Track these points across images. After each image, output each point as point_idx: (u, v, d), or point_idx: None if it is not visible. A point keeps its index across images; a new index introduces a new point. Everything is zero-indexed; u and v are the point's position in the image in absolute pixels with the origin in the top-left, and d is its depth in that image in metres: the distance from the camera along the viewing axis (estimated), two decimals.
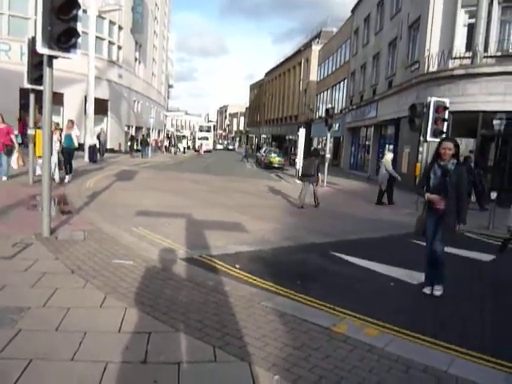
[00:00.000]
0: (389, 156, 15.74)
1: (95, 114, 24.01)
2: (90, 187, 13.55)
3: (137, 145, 36.45)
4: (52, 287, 4.69)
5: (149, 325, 3.99)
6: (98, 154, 23.87)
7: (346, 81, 38.67)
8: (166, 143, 49.40)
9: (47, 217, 6.67)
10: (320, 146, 47.16)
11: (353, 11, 37.57)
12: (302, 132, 25.12)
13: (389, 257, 7.84)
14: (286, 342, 3.86)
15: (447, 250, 8.78)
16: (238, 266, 6.36)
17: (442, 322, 5.02)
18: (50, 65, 6.37)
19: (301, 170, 15.20)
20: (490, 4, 17.43)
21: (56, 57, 6.29)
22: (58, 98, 27.49)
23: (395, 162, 24.51)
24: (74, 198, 10.98)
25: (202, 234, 8.35)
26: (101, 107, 28.21)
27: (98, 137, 25.76)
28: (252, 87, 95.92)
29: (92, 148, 22.42)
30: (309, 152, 16.56)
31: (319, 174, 14.01)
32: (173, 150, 46.36)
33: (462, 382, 3.44)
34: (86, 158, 22.22)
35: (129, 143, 34.95)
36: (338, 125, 37.33)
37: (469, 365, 3.83)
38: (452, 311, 5.44)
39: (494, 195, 11.25)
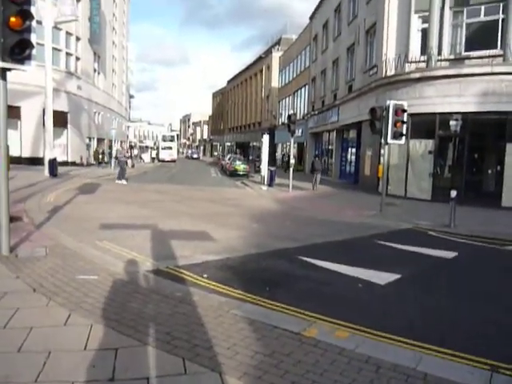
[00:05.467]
0: None
1: (54, 126, 23.39)
2: (50, 202, 13.18)
3: (103, 158, 36.73)
4: (13, 307, 4.51)
5: (115, 340, 3.88)
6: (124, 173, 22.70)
7: (307, 87, 39.20)
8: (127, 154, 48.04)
9: (6, 234, 6.43)
10: (284, 152, 47.62)
11: (311, 18, 38.18)
12: (265, 138, 25.28)
13: (356, 258, 7.93)
14: (256, 350, 3.84)
15: (412, 248, 9.03)
16: (205, 275, 6.30)
17: (409, 321, 5.10)
18: (4, 77, 6.16)
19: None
20: (442, 9, 18.04)
21: (10, 69, 6.10)
22: (14, 112, 26.68)
23: (357, 164, 25.08)
24: (34, 213, 10.65)
25: (169, 244, 8.24)
26: (60, 120, 27.54)
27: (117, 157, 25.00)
28: (214, 95, 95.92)
29: (52, 162, 21.84)
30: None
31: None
32: (129, 162, 36.24)
33: (430, 378, 3.51)
34: (47, 172, 21.62)
35: (100, 156, 35.76)
36: (301, 130, 37.75)
37: (436, 361, 3.91)
38: (419, 309, 5.53)
39: (453, 194, 11.56)
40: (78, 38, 32.28)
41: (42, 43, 21.70)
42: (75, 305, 4.67)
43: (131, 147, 56.36)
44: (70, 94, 30.91)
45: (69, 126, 30.98)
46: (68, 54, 31.24)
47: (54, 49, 26.11)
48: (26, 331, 3.97)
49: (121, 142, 48.81)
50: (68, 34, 30.84)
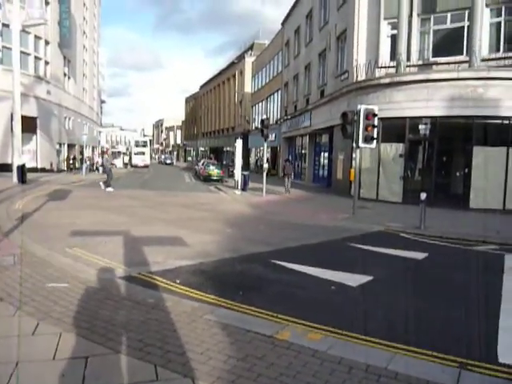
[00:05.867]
0: None
1: (23, 132, 22.85)
2: (19, 209, 12.88)
3: (74, 164, 36.84)
4: None
5: (86, 349, 3.82)
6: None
7: (279, 91, 39.42)
8: (99, 160, 47.18)
9: None
10: (258, 157, 47.76)
11: (283, 24, 38.47)
12: (238, 143, 25.32)
13: (329, 261, 8.01)
14: (229, 354, 3.83)
15: (384, 250, 9.16)
16: (178, 281, 6.25)
17: (381, 322, 5.17)
18: None
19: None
20: (410, 16, 18.47)
21: None
22: None
23: (330, 168, 25.33)
24: (2, 221, 10.37)
25: (141, 250, 8.15)
26: (29, 125, 26.93)
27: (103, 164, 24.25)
28: (187, 100, 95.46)
29: (21, 168, 21.34)
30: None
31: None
32: (101, 168, 34.35)
33: (401, 376, 3.56)
34: (15, 179, 21.11)
35: (71, 162, 36.19)
36: (274, 135, 37.94)
37: (407, 360, 3.96)
38: (391, 310, 5.62)
39: (423, 196, 11.80)
40: (47, 42, 31.71)
41: (10, 47, 21.29)
42: (44, 314, 4.57)
43: (103, 153, 55.63)
44: (39, 98, 30.31)
45: (38, 131, 30.34)
46: (37, 58, 30.64)
47: (22, 52, 25.56)
48: None
49: (106, 150, 47.94)
50: (37, 37, 30.25)
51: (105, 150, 55.33)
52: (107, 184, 21.24)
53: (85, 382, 3.29)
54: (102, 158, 26.18)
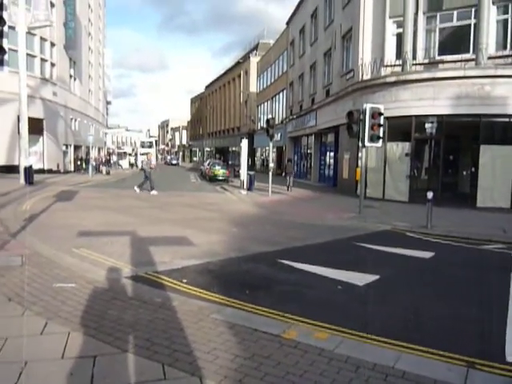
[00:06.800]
0: None
1: (30, 133, 22.99)
2: (26, 210, 12.95)
3: (82, 164, 37.07)
4: None
5: (94, 348, 3.84)
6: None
7: (285, 91, 39.40)
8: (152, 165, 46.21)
9: None
10: (264, 157, 47.78)
11: (288, 23, 38.44)
12: (244, 143, 25.32)
13: (335, 261, 8.00)
14: (236, 353, 3.83)
15: (391, 249, 9.14)
16: (185, 280, 6.26)
17: (388, 320, 5.16)
18: None
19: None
20: (416, 14, 18.38)
21: None
22: None
23: (336, 167, 25.31)
24: (9, 222, 10.45)
25: (147, 250, 8.18)
26: (36, 127, 27.09)
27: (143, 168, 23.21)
28: (193, 100, 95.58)
29: (28, 169, 21.48)
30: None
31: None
32: (104, 169, 37.12)
33: (408, 375, 3.55)
34: (22, 180, 21.24)
35: (78, 163, 36.78)
36: (279, 134, 37.93)
37: (415, 359, 3.95)
38: (397, 309, 5.60)
39: (430, 195, 11.75)
40: (52, 44, 31.87)
41: (16, 49, 21.40)
42: (52, 313, 4.59)
43: (109, 154, 55.85)
44: (46, 100, 30.47)
45: (45, 133, 30.50)
46: (43, 60, 30.81)
47: (28, 55, 25.71)
48: (1, 342, 3.89)
49: (99, 149, 48.13)
50: (42, 39, 30.42)
51: (111, 151, 55.56)
52: (151, 187, 20.68)
53: (93, 380, 3.31)
54: (142, 161, 25.60)
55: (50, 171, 30.59)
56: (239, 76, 59.07)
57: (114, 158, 58.16)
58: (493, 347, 4.45)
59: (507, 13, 17.06)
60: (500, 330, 4.79)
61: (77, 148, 39.12)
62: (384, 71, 19.13)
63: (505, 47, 17.06)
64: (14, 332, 4.11)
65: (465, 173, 17.84)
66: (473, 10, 17.33)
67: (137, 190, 20.86)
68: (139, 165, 33.47)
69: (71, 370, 3.44)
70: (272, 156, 26.58)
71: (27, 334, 4.10)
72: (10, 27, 24.40)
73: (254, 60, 53.05)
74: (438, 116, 17.41)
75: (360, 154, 15.63)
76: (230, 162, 52.20)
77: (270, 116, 24.53)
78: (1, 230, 9.27)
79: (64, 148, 35.17)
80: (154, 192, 20.33)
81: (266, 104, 47.04)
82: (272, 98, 44.40)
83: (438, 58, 18.22)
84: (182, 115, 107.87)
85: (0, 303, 4.89)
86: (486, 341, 4.65)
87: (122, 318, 4.53)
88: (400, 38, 18.76)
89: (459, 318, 5.39)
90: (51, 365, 3.55)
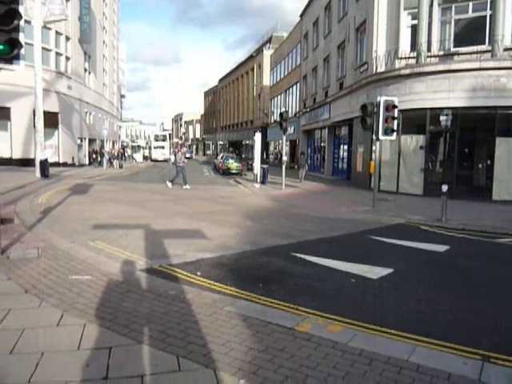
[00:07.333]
0: None
1: (45, 127, 23.24)
2: (42, 203, 13.11)
3: (97, 158, 37.40)
4: (5, 308, 4.49)
5: (109, 339, 3.89)
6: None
7: (298, 84, 39.20)
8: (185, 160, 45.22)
9: None
10: (277, 150, 47.70)
11: (301, 16, 38.17)
12: (257, 136, 25.29)
13: (349, 254, 7.97)
14: (250, 346, 3.85)
15: (405, 243, 9.09)
16: (199, 273, 6.30)
17: (402, 314, 5.14)
18: None
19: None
20: (431, 6, 18.12)
21: None
22: (4, 113, 26.60)
23: (349, 160, 25.18)
24: (25, 214, 10.58)
25: (161, 243, 8.23)
26: (51, 120, 27.36)
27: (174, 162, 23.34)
28: (206, 94, 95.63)
29: (43, 162, 21.73)
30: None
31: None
32: (115, 163, 36.24)
33: (423, 369, 3.54)
34: (38, 173, 21.49)
35: (93, 156, 37.35)
36: (293, 128, 37.79)
37: (429, 352, 3.93)
38: (412, 302, 5.57)
39: (445, 188, 11.65)
40: (67, 38, 32.08)
41: (31, 43, 21.56)
42: (68, 305, 4.66)
43: (123, 147, 56.19)
44: (61, 94, 30.73)
45: (60, 126, 30.78)
46: (58, 54, 31.04)
47: (44, 48, 25.92)
48: (18, 333, 3.96)
49: (113, 142, 48.48)
50: (58, 33, 30.63)
51: (125, 144, 55.79)
52: (184, 181, 20.75)
53: (109, 371, 3.35)
54: (175, 155, 25.60)
55: (64, 164, 30.90)
56: (252, 69, 58.90)
57: (129, 152, 58.50)
58: (508, 341, 4.41)
59: None
60: None
61: (91, 141, 39.45)
62: (398, 63, 18.93)
63: None
64: (30, 323, 4.18)
65: (480, 165, 17.63)
66: (488, 1, 17.04)
67: (169, 184, 20.97)
68: (171, 159, 33.51)
69: (87, 361, 3.49)
70: (285, 149, 26.53)
71: (43, 325, 4.17)
72: (25, 21, 24.68)
73: (268, 53, 52.82)
74: (453, 108, 17.20)
75: (374, 147, 15.54)
76: (243, 156, 52.21)
77: (283, 109, 24.46)
78: (17, 223, 9.39)
79: (79, 141, 35.48)
80: (186, 186, 20.39)
81: (279, 97, 46.87)
82: (285, 91, 44.21)
83: (453, 49, 17.95)
84: (195, 109, 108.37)
85: (17, 295, 4.97)
86: (500, 334, 4.61)
87: (137, 310, 4.57)
88: (415, 29, 18.53)
89: (474, 311, 5.35)
90: (67, 356, 3.60)
